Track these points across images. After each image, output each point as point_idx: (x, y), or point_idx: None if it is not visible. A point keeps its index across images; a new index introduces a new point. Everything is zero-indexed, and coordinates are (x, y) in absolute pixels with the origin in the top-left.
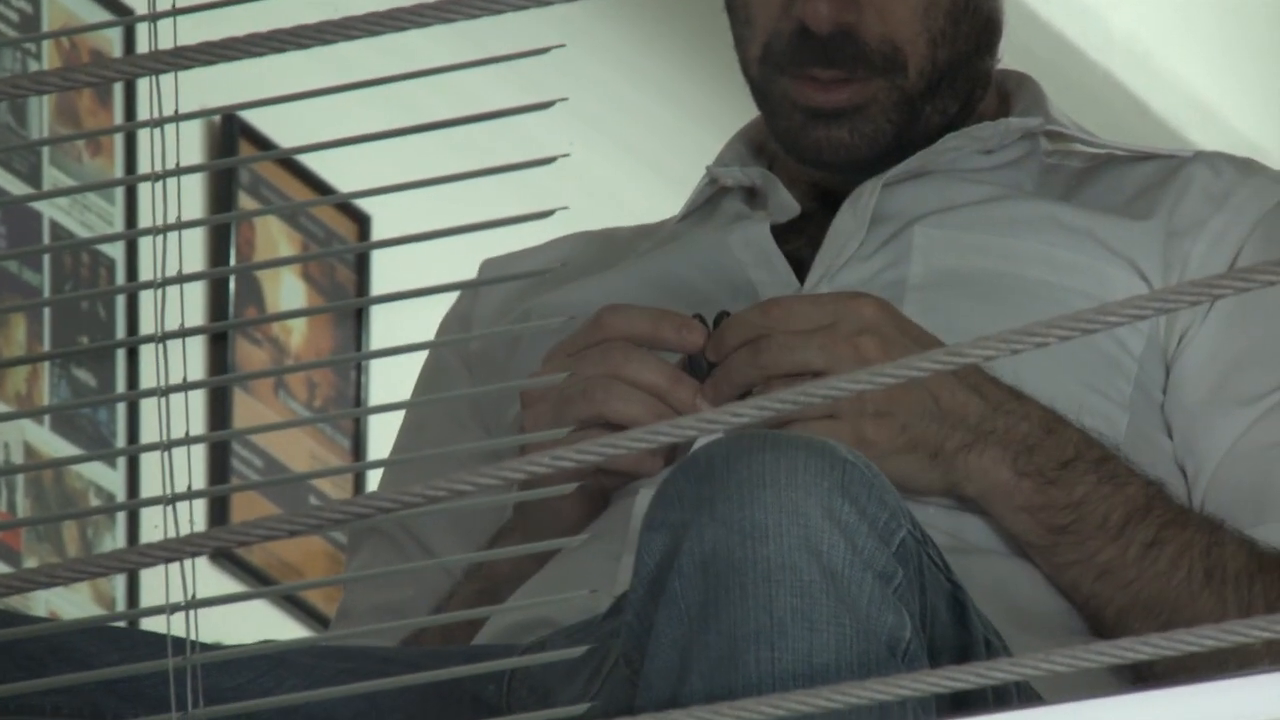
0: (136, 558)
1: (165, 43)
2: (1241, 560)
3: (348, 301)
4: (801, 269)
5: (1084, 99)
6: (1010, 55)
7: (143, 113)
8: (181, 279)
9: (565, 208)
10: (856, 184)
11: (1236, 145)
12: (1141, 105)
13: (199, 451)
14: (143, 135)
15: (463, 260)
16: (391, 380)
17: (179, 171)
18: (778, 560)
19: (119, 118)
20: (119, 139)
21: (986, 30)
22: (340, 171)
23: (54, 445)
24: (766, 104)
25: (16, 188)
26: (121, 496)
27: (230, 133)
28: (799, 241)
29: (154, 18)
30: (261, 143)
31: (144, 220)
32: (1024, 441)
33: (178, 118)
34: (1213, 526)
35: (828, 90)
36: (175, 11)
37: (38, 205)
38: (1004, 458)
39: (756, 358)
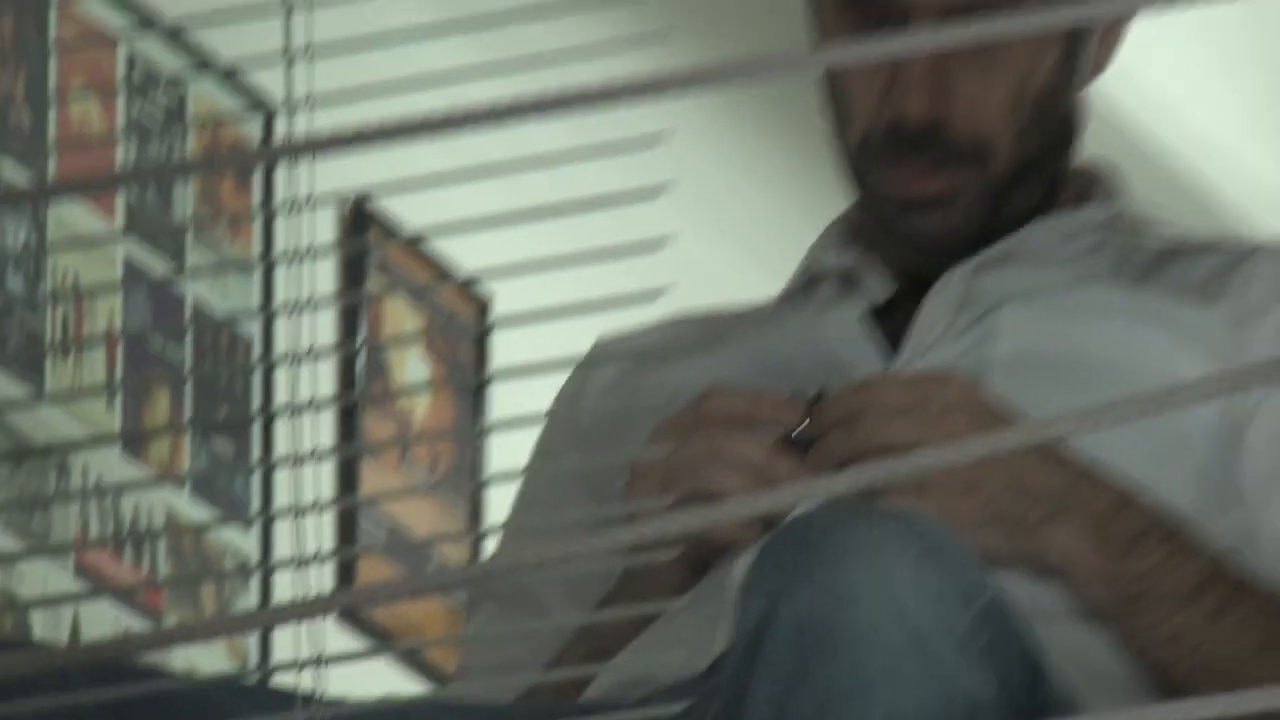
0: (268, 617)
1: (301, 131)
2: None
3: (470, 377)
4: (894, 348)
5: (1160, 192)
6: (1090, 149)
7: (280, 197)
8: (313, 353)
9: (671, 289)
10: (946, 268)
11: None
12: (1217, 198)
13: (328, 520)
14: (280, 218)
15: (576, 340)
16: (509, 454)
17: (312, 253)
18: (867, 623)
19: (257, 202)
20: (258, 222)
21: (1068, 125)
22: (462, 255)
23: (193, 511)
24: (862, 193)
25: (160, 269)
26: (256, 559)
27: (361, 217)
28: (891, 322)
29: (291, 107)
30: (389, 225)
31: (279, 299)
32: (1101, 515)
33: (312, 201)
34: (1275, 595)
35: (921, 179)
36: (311, 102)
37: (181, 286)
38: (1082, 531)
39: (852, 434)
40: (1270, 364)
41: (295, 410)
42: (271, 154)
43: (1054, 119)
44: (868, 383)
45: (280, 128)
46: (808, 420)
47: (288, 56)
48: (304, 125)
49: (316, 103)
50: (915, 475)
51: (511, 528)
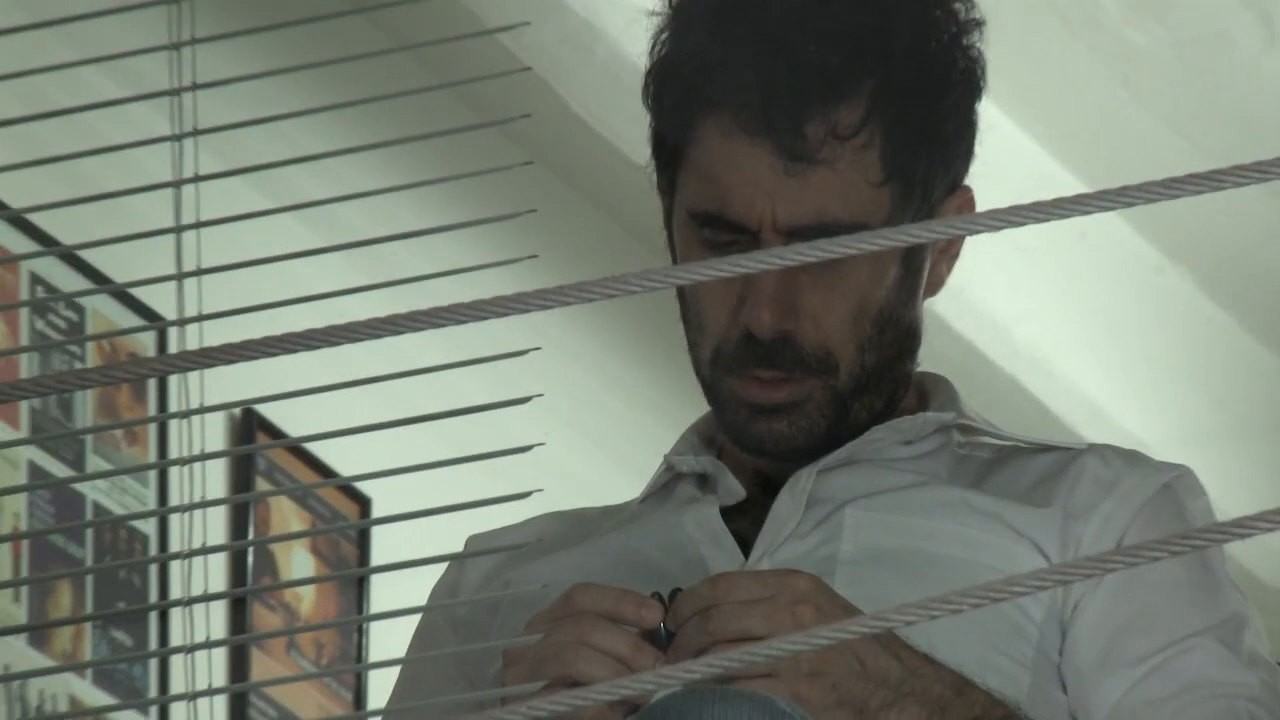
0: None
1: (192, 344)
2: None
3: (352, 571)
4: (746, 546)
5: (991, 400)
6: (927, 360)
7: (173, 406)
8: (205, 550)
9: (540, 490)
10: (794, 470)
11: (1123, 439)
12: (1042, 406)
13: (220, 704)
14: (173, 425)
15: (451, 537)
16: (389, 642)
17: (203, 457)
18: None
19: (152, 410)
20: (152, 429)
21: (908, 338)
22: (344, 458)
23: (95, 697)
24: (716, 401)
25: (62, 473)
26: None
27: (249, 423)
28: (744, 521)
29: (182, 323)
30: (275, 432)
31: (174, 500)
32: (938, 701)
33: (203, 410)
34: None
35: (769, 389)
36: (201, 318)
37: (81, 488)
38: (920, 715)
39: (707, 625)
40: (1096, 558)
41: (190, 602)
42: (165, 366)
43: (894, 332)
44: (721, 578)
45: (173, 343)
46: (667, 615)
47: (180, 276)
48: (194, 341)
49: (205, 319)
50: (767, 661)
51: (392, 710)
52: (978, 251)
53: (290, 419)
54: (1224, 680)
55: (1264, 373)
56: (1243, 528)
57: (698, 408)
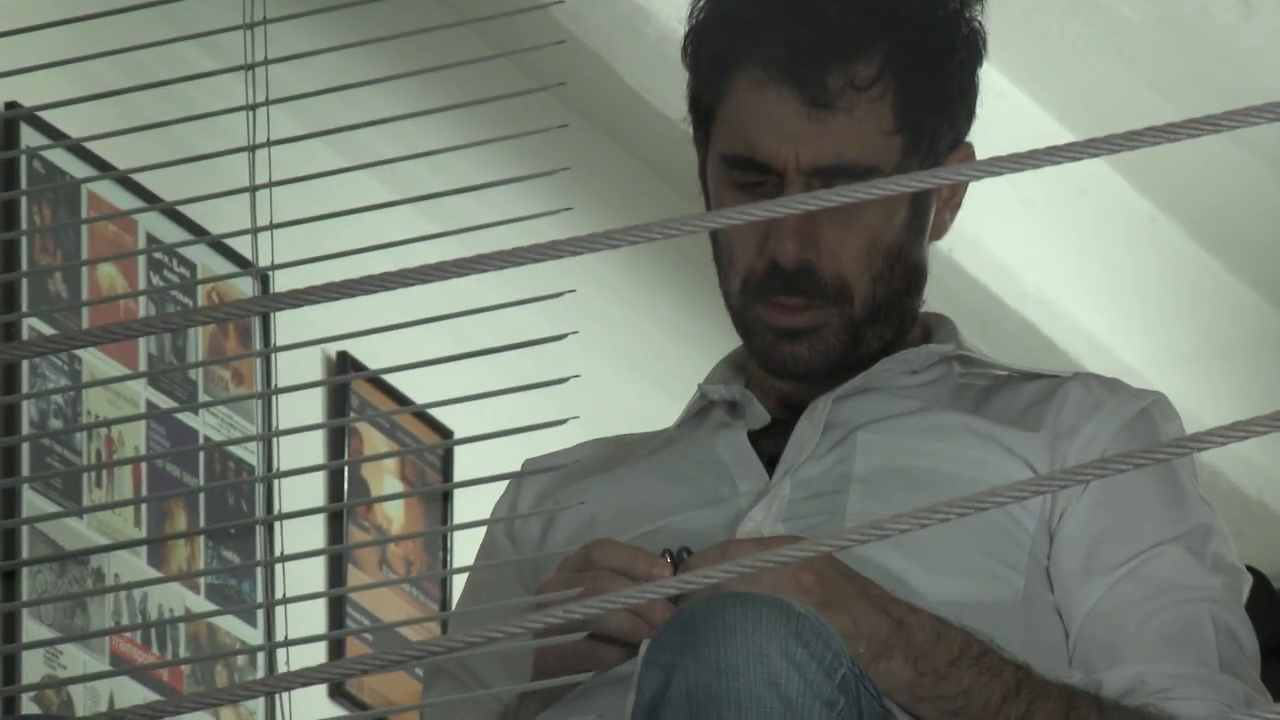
0: (265, 686)
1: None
2: (1094, 715)
3: (430, 489)
4: (771, 465)
5: (1004, 336)
6: (944, 302)
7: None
8: (281, 474)
9: (577, 417)
10: (814, 397)
11: (1121, 370)
12: (1049, 341)
13: (321, 614)
14: (275, 364)
15: (516, 460)
16: (470, 556)
17: (276, 392)
18: (746, 692)
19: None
20: (257, 370)
21: (915, 274)
22: (424, 392)
23: (208, 607)
24: (744, 327)
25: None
26: (264, 651)
27: (342, 364)
28: (769, 443)
29: (272, 269)
30: (362, 367)
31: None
32: (921, 647)
33: (278, 349)
34: (1069, 694)
35: (791, 314)
36: (294, 263)
37: (193, 423)
38: (906, 662)
39: (716, 588)
40: (1069, 470)
41: (266, 521)
42: (256, 306)
43: (904, 268)
44: (731, 544)
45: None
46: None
47: (255, 230)
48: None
49: (297, 265)
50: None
51: (461, 613)
52: (991, 206)
53: (374, 358)
54: (1190, 584)
55: (1245, 307)
56: (1198, 441)
57: (725, 335)
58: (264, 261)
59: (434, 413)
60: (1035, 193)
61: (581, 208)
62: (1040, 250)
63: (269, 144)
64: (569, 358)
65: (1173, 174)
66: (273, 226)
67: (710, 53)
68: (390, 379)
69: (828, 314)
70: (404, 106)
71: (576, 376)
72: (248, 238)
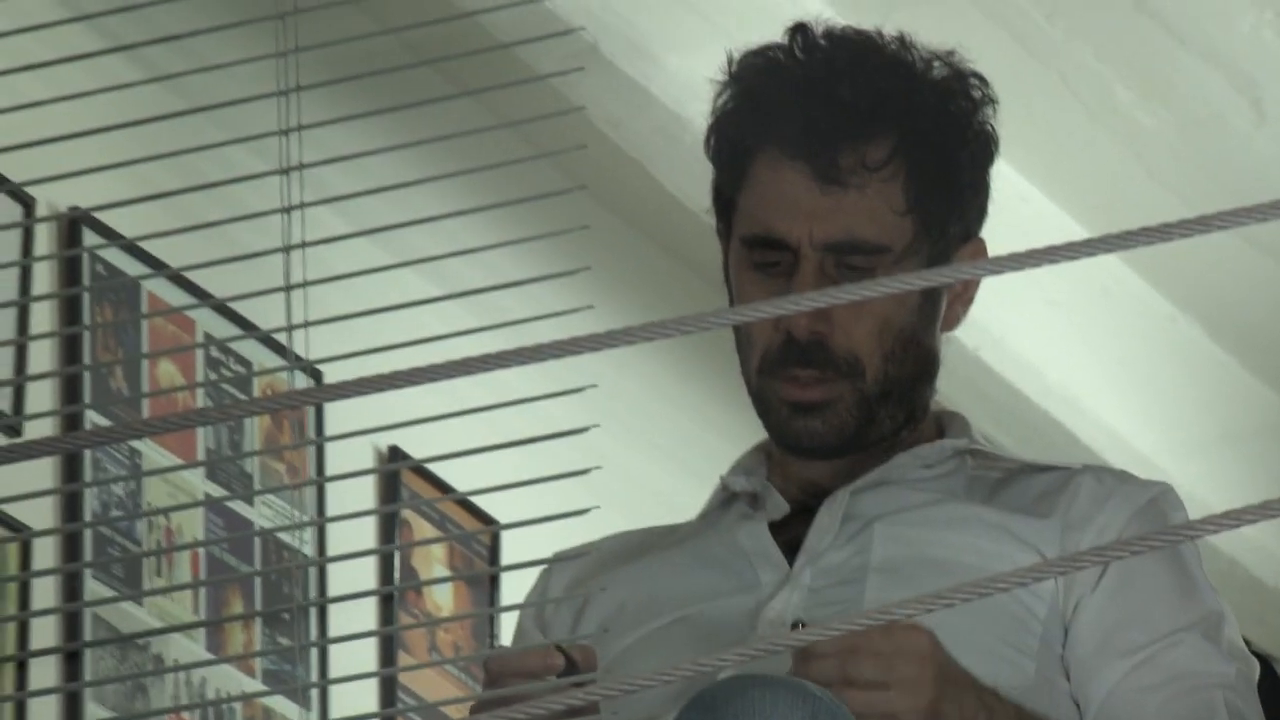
0: None
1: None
2: None
3: (474, 573)
4: (792, 554)
5: (1028, 431)
6: (971, 397)
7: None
8: (310, 561)
9: (598, 507)
10: (833, 488)
11: (1139, 461)
12: (1072, 436)
13: (373, 694)
14: (324, 450)
15: (553, 547)
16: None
17: (343, 477)
18: None
19: (310, 449)
20: (310, 466)
21: (927, 360)
22: (470, 485)
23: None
24: (761, 405)
25: (236, 502)
26: None
27: (394, 457)
28: (789, 533)
29: (314, 362)
30: (407, 457)
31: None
32: None
33: (344, 436)
34: None
35: (805, 388)
36: (346, 356)
37: (250, 515)
38: None
39: (844, 668)
40: (1069, 557)
41: (299, 606)
42: (319, 395)
43: (915, 352)
44: (860, 634)
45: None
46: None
47: (289, 328)
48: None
49: (338, 359)
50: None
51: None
52: (1016, 307)
53: (421, 453)
54: (1205, 671)
55: (1259, 401)
56: (1202, 527)
57: (751, 422)
58: (304, 355)
59: (483, 506)
60: (1059, 294)
61: (617, 301)
62: (1063, 349)
63: (304, 245)
64: (601, 446)
65: (1191, 275)
66: (307, 324)
67: (730, 142)
68: (438, 473)
69: (840, 388)
70: (440, 204)
71: (598, 468)
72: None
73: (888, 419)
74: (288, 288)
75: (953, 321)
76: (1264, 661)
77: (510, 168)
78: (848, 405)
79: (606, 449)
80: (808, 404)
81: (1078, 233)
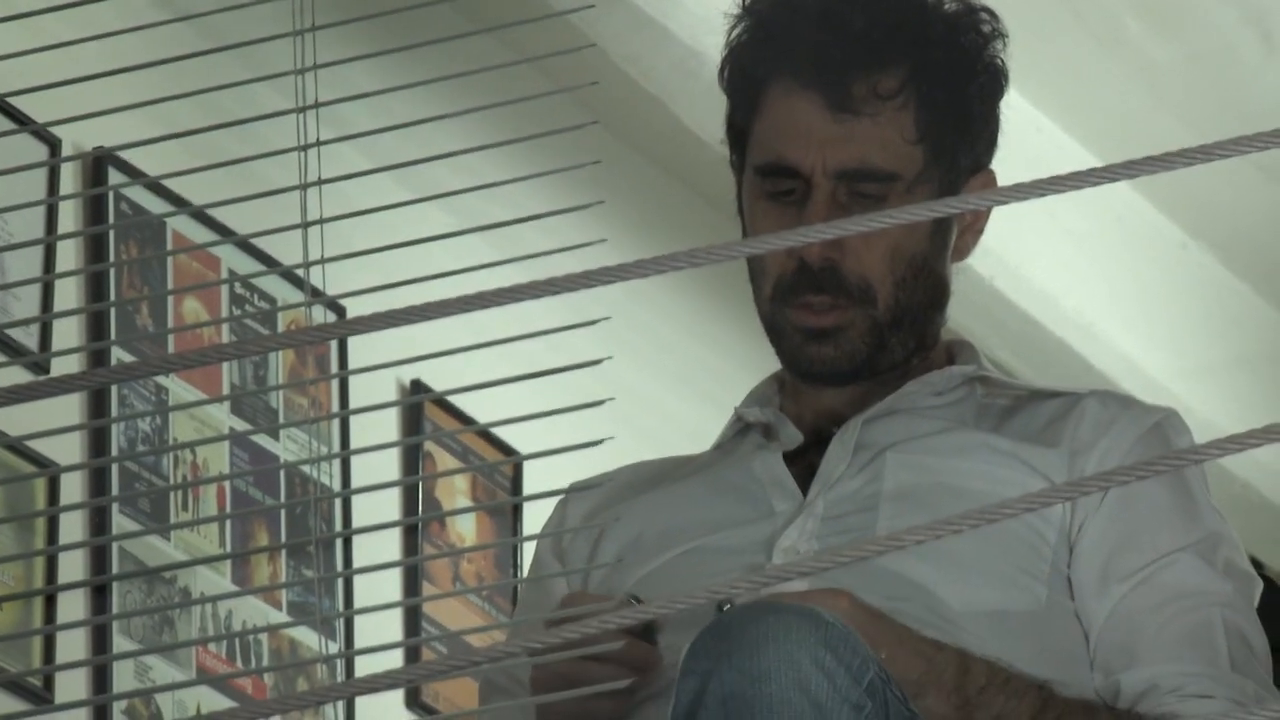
0: (338, 691)
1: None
2: None
3: (496, 503)
4: (805, 484)
5: (1045, 359)
6: (988, 326)
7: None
8: (334, 494)
9: (612, 438)
10: (845, 418)
11: (1152, 386)
12: (1086, 363)
13: (396, 624)
14: (348, 383)
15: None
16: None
17: (327, 417)
18: (778, 697)
19: (334, 382)
20: (335, 399)
21: (938, 288)
22: (493, 417)
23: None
24: (774, 333)
25: (260, 436)
26: (341, 660)
27: (416, 391)
28: (802, 464)
29: (337, 297)
30: (429, 389)
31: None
32: (951, 681)
33: (365, 370)
34: (1090, 708)
35: (818, 315)
36: (366, 290)
37: (273, 448)
38: (939, 696)
39: None
40: (1073, 483)
41: (317, 541)
42: (340, 330)
43: (925, 279)
44: (771, 595)
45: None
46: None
47: (307, 265)
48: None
49: (359, 295)
50: None
51: (508, 624)
52: (1032, 236)
53: (443, 385)
54: (1201, 590)
55: (1272, 328)
56: (1204, 452)
57: (765, 351)
58: (323, 291)
59: (505, 438)
60: (1074, 223)
61: (632, 233)
62: (1077, 276)
63: (320, 182)
64: (618, 375)
65: (1201, 203)
66: (324, 260)
67: (744, 72)
68: (460, 405)
69: (852, 314)
70: (458, 141)
71: (612, 399)
72: (311, 269)
73: (899, 346)
74: (305, 224)
75: (963, 251)
76: (1269, 582)
77: (528, 104)
78: (860, 331)
79: (624, 378)
80: (820, 330)
81: (1090, 162)
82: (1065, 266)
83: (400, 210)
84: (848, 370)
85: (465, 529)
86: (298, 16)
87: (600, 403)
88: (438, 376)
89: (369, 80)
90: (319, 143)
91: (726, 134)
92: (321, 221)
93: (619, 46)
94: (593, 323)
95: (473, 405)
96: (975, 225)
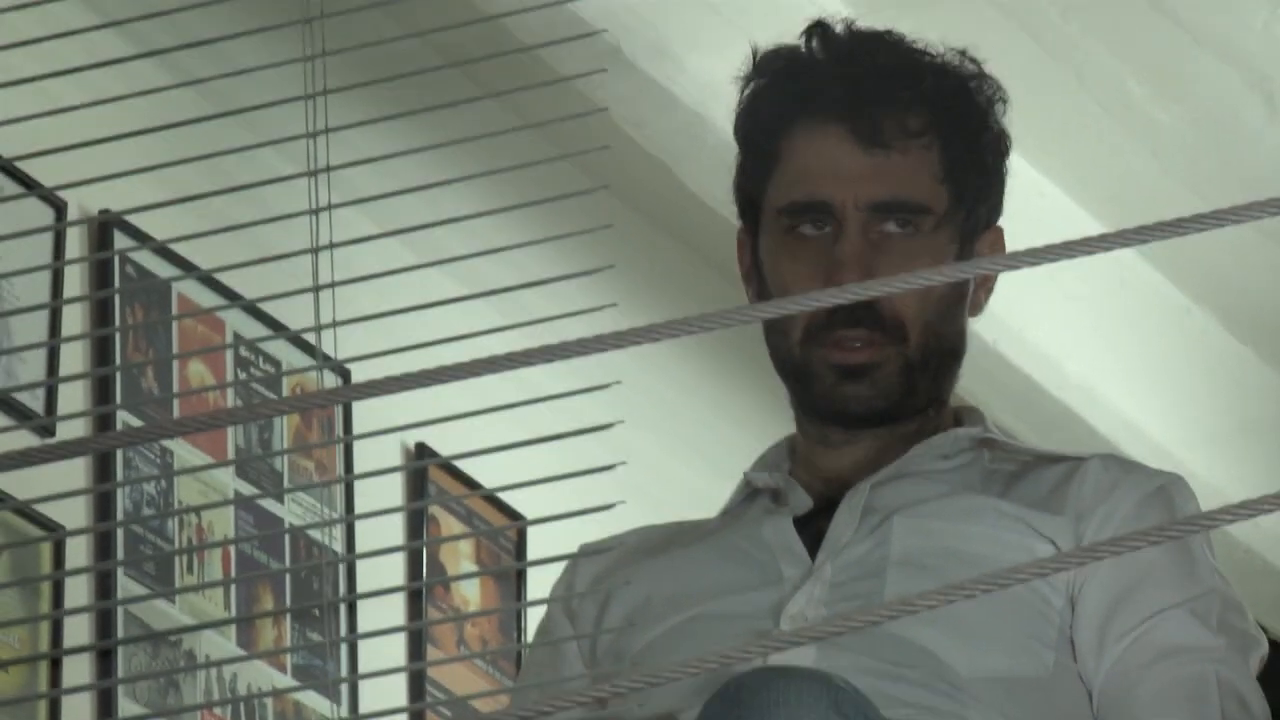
0: None
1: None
2: None
3: (501, 568)
4: (814, 549)
5: (1047, 423)
6: (990, 390)
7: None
8: (340, 559)
9: (624, 502)
10: (853, 484)
11: (1156, 451)
12: (1090, 427)
13: (402, 688)
14: (353, 448)
15: (580, 540)
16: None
17: (372, 474)
18: None
19: (339, 448)
20: (340, 464)
21: (958, 339)
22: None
23: (293, 684)
24: (804, 377)
25: (266, 500)
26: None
27: (420, 454)
28: (812, 528)
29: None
30: (433, 454)
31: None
32: None
33: (371, 435)
34: None
35: (854, 351)
36: (375, 355)
37: (279, 512)
38: None
39: None
40: (1079, 550)
41: (329, 603)
42: (346, 394)
43: (950, 324)
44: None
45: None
46: None
47: (318, 328)
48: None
49: (370, 358)
50: None
51: (520, 683)
52: (1034, 300)
53: (448, 450)
54: (1194, 646)
55: (1276, 393)
56: (1210, 519)
57: (771, 416)
58: (332, 355)
59: (510, 502)
60: (1077, 287)
61: (641, 298)
62: (1081, 341)
63: (331, 246)
64: (626, 441)
65: (1205, 267)
66: (335, 324)
67: (765, 121)
68: (465, 470)
69: (886, 352)
70: (467, 205)
71: (623, 463)
72: (322, 333)
73: (924, 392)
74: (316, 288)
75: (977, 306)
76: (1275, 646)
77: (535, 169)
78: (893, 369)
79: (631, 444)
80: (855, 367)
81: (1093, 226)
82: (1068, 331)
83: (410, 277)
84: (882, 409)
85: (470, 593)
86: (309, 81)
87: (611, 467)
88: (443, 442)
89: (378, 144)
90: (330, 206)
91: (736, 192)
92: (334, 285)
93: (624, 111)
94: (604, 386)
95: (479, 472)
96: (987, 284)
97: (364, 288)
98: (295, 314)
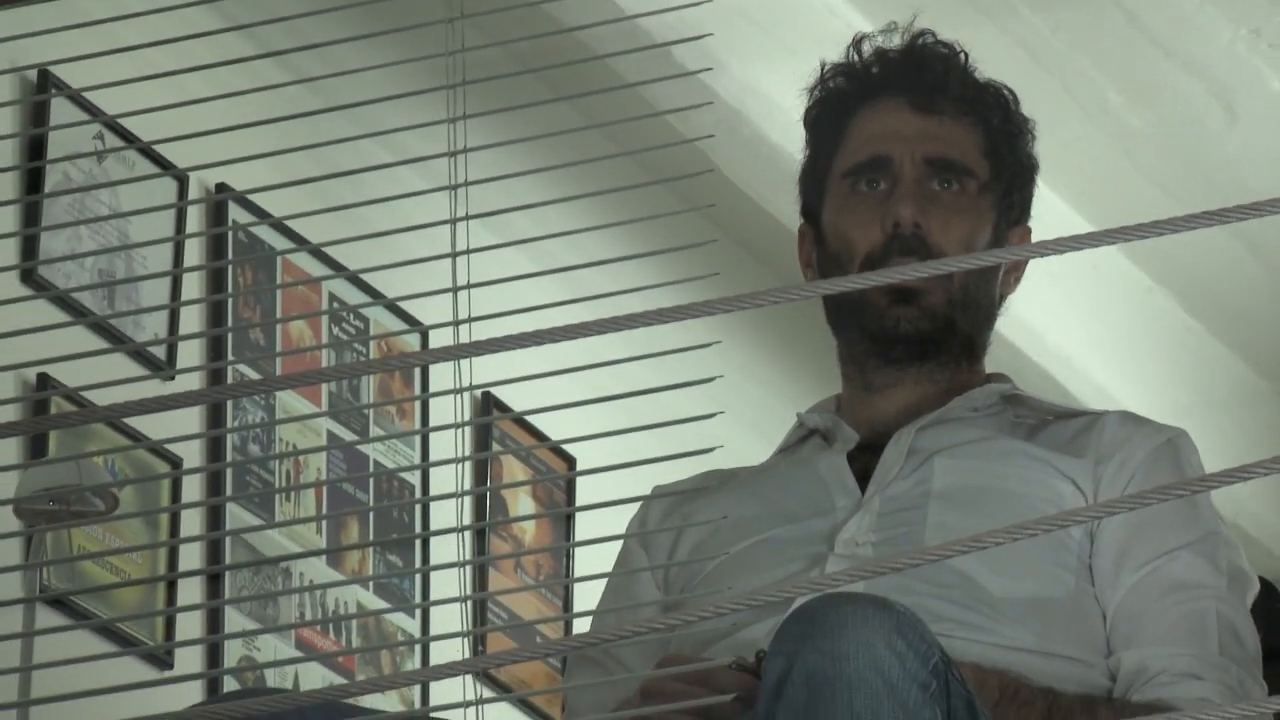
0: (424, 675)
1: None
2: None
3: (562, 510)
4: (862, 484)
5: (1028, 386)
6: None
7: (434, 387)
8: (436, 497)
9: (721, 446)
10: (898, 428)
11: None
12: (1065, 390)
13: (469, 608)
14: (432, 404)
15: (625, 487)
16: (588, 565)
17: (427, 430)
18: (856, 675)
19: (418, 391)
20: (417, 408)
21: (991, 302)
22: (555, 426)
23: (376, 603)
24: (861, 301)
25: (352, 440)
26: (418, 637)
27: (487, 404)
28: (858, 466)
29: (453, 324)
30: (506, 407)
31: (433, 459)
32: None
33: (428, 395)
34: (1091, 705)
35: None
36: (459, 320)
37: (364, 450)
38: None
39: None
40: (1103, 504)
41: (424, 536)
42: (430, 357)
43: (984, 285)
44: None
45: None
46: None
47: (454, 291)
48: (449, 340)
49: (463, 322)
50: None
51: (600, 608)
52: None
53: (513, 398)
54: (1200, 583)
55: (1225, 366)
56: (1219, 479)
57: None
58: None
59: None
60: (1056, 268)
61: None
62: (1059, 315)
63: (469, 251)
64: (679, 405)
65: (1167, 254)
66: (470, 320)
67: (838, 104)
68: (530, 417)
69: (933, 282)
70: (580, 219)
71: (721, 447)
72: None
73: (960, 334)
74: (455, 289)
75: (1009, 283)
76: (1265, 584)
77: (638, 191)
78: (938, 300)
79: (682, 411)
80: (907, 290)
81: (1072, 218)
82: (1049, 307)
83: (527, 282)
84: (927, 331)
85: (527, 525)
86: (451, 106)
87: (711, 415)
88: (512, 398)
89: (506, 166)
90: (468, 216)
91: (801, 185)
92: (470, 287)
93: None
94: (707, 345)
95: (544, 423)
96: (1016, 270)
97: (489, 290)
98: (393, 284)
